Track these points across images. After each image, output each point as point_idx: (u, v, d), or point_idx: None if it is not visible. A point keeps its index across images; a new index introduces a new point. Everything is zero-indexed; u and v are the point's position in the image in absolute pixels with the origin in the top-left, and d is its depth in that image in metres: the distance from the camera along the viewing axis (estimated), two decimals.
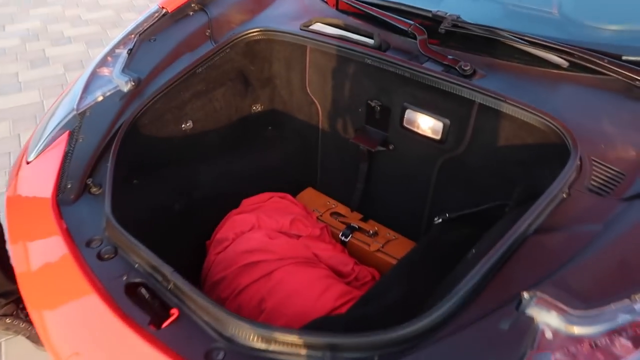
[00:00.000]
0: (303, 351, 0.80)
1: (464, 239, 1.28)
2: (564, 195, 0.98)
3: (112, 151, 1.28)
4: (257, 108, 1.71)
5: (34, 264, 1.10)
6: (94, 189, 1.20)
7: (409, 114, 1.35)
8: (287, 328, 0.84)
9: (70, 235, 1.12)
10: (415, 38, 1.41)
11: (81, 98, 1.48)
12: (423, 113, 1.31)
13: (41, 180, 1.28)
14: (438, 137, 1.32)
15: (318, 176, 1.77)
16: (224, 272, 1.27)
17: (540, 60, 1.28)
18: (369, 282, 1.41)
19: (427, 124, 1.32)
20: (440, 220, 1.34)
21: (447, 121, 1.27)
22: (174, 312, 0.92)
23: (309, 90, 1.60)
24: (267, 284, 1.24)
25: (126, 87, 1.46)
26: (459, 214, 1.32)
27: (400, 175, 1.49)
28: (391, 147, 1.46)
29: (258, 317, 1.20)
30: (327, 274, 1.31)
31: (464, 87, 1.20)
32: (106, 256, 1.05)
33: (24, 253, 1.15)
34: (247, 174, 1.61)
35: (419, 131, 1.35)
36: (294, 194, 1.73)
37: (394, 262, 1.45)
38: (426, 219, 1.49)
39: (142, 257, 1.01)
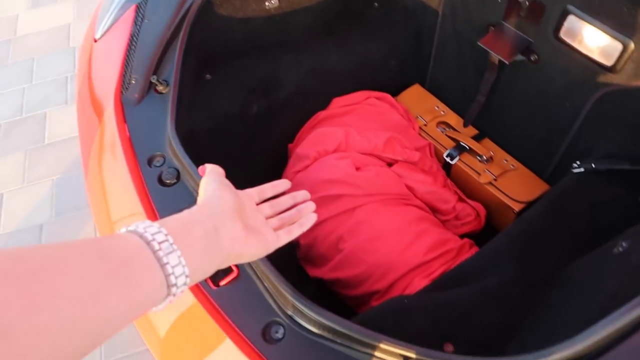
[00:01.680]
0: (376, 354, 0.67)
1: (612, 206, 0.97)
2: None
3: (180, 40, 1.07)
4: None
5: (97, 180, 1.02)
6: (160, 87, 1.03)
7: (572, 22, 0.93)
8: (357, 326, 0.68)
9: (132, 147, 1.00)
10: None
11: None
12: (594, 25, 0.90)
13: (106, 68, 1.13)
14: (609, 62, 0.92)
15: (429, 72, 1.42)
16: None
17: None
18: (471, 222, 1.18)
19: (596, 42, 0.91)
20: (582, 169, 1.01)
21: (631, 43, 0.86)
22: (234, 269, 0.80)
23: None
24: (348, 221, 1.06)
25: None
26: (611, 167, 0.98)
27: (539, 95, 1.12)
28: (534, 57, 1.07)
29: (334, 256, 1.05)
30: (420, 215, 1.09)
31: None
32: (168, 181, 0.92)
33: (89, 160, 1.07)
34: (342, 68, 1.32)
35: (581, 49, 0.95)
36: (397, 92, 1.43)
37: (507, 201, 1.18)
38: (560, 155, 1.16)
39: None
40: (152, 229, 0.44)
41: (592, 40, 0.92)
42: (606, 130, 1.02)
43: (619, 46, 0.88)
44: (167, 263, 0.43)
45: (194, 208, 0.53)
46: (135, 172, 0.95)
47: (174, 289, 0.43)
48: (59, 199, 1.89)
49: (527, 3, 1.00)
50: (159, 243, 0.43)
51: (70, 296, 0.34)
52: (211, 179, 0.59)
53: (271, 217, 0.66)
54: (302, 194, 0.72)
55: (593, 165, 1.00)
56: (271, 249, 0.61)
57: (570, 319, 0.73)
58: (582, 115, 1.05)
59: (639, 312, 0.56)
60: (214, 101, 1.16)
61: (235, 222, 0.55)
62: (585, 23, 0.91)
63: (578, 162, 1.04)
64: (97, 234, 1.78)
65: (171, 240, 0.44)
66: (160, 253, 0.43)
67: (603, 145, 1.03)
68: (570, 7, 0.93)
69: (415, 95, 1.43)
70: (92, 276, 0.37)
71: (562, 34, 0.97)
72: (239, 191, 0.63)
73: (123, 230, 0.45)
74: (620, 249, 0.79)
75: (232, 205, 0.56)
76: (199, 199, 0.57)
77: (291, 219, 0.67)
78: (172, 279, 0.43)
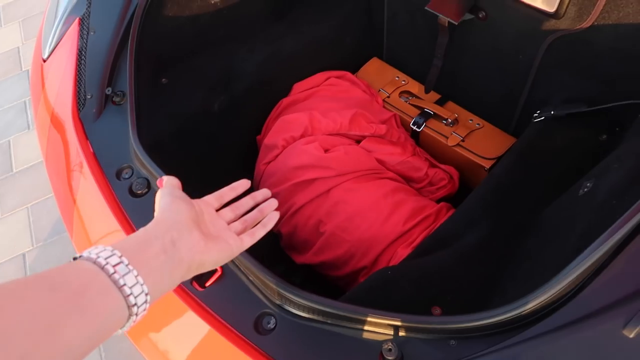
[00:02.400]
0: (366, 328, 0.69)
1: (575, 148, 1.00)
2: None
3: (129, 47, 1.05)
4: None
5: (69, 202, 1.01)
6: (117, 99, 1.02)
7: None
8: (344, 304, 0.70)
9: (98, 163, 0.99)
10: None
11: None
12: None
13: (59, 88, 1.11)
14: (552, 9, 0.93)
15: (385, 44, 1.42)
16: (276, 187, 1.11)
17: None
18: (446, 186, 1.20)
19: None
20: (542, 117, 1.04)
21: None
22: (218, 268, 0.81)
23: None
24: (325, 203, 1.07)
25: None
26: (570, 111, 1.00)
27: (492, 51, 1.14)
28: (482, 14, 1.08)
29: (316, 240, 1.07)
30: (395, 186, 1.10)
31: None
32: (139, 192, 0.92)
33: (57, 183, 1.06)
34: (299, 51, 1.32)
35: None
36: (357, 68, 1.43)
37: (477, 160, 1.20)
38: (521, 107, 1.18)
39: None
40: (105, 252, 0.45)
41: None
42: (560, 76, 1.04)
43: None
44: (125, 284, 0.44)
45: (149, 225, 0.54)
46: (104, 188, 0.94)
47: (135, 309, 0.44)
48: (37, 226, 1.86)
49: None
50: (114, 266, 0.44)
51: (23, 333, 0.35)
52: (164, 193, 0.59)
53: (233, 221, 0.66)
54: (262, 193, 0.72)
55: (552, 112, 1.02)
56: (235, 253, 0.61)
57: (547, 265, 0.75)
58: (535, 65, 1.07)
59: (604, 251, 0.58)
60: (174, 104, 1.15)
61: (193, 231, 0.55)
62: None
63: (538, 112, 1.06)
64: None
65: (126, 262, 0.45)
66: (116, 275, 0.44)
67: (559, 91, 1.05)
68: None
69: (375, 69, 1.44)
70: (44, 310, 0.37)
71: None
72: (196, 200, 0.63)
73: (77, 257, 0.45)
74: (585, 189, 0.82)
75: (188, 215, 0.56)
76: (155, 215, 0.57)
77: (254, 220, 0.68)
78: (132, 299, 0.44)
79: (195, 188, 0.87)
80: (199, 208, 0.61)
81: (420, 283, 0.83)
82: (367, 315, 0.68)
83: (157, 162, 0.89)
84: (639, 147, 0.80)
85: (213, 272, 0.80)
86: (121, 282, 0.43)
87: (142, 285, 0.45)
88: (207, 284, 0.80)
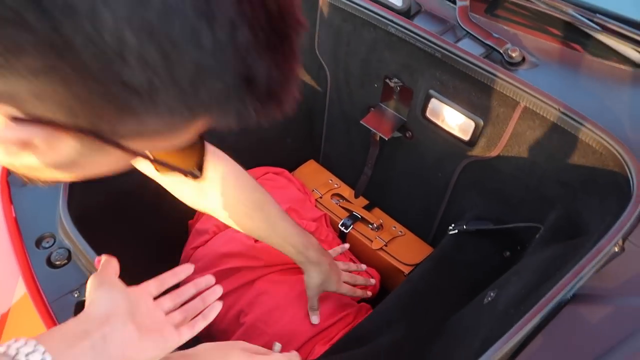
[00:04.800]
0: None
1: (483, 262, 1.10)
2: (616, 249, 0.77)
3: None
4: None
5: None
6: None
7: (434, 104, 1.10)
8: None
9: (19, 230, 0.96)
10: (454, 2, 1.13)
11: None
12: (451, 106, 1.07)
13: None
14: (466, 137, 1.08)
15: (322, 149, 1.54)
16: (201, 273, 1.10)
17: (610, 51, 1.01)
18: (367, 287, 1.24)
19: (454, 120, 1.08)
20: (456, 231, 1.14)
21: (481, 121, 1.03)
22: None
23: (317, 52, 1.33)
24: (247, 294, 1.08)
25: None
26: (479, 227, 1.12)
27: (416, 166, 1.27)
28: (408, 134, 1.22)
29: (236, 330, 1.05)
30: None
31: (508, 82, 0.94)
32: (57, 262, 0.89)
33: None
34: (240, 146, 1.39)
35: (444, 126, 1.11)
36: (294, 167, 1.52)
37: (397, 265, 1.28)
38: (439, 219, 1.29)
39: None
40: (27, 348, 0.42)
41: (452, 119, 1.08)
42: (472, 196, 1.17)
43: (472, 124, 1.05)
44: None
45: (80, 316, 0.51)
46: (21, 255, 0.91)
47: None
48: None
49: (398, 88, 1.16)
50: None
51: None
52: (98, 281, 0.56)
53: (173, 310, 0.63)
54: (205, 280, 0.69)
55: (464, 227, 1.13)
56: (171, 348, 0.58)
57: None
58: (452, 184, 1.20)
59: (500, 357, 0.63)
60: (111, 178, 1.15)
61: (127, 326, 0.52)
62: (445, 105, 1.08)
63: (453, 225, 1.17)
64: None
65: (49, 359, 0.42)
66: None
67: (471, 208, 1.18)
68: (431, 92, 1.09)
69: (311, 170, 1.53)
70: None
71: (428, 114, 1.13)
72: (134, 288, 0.60)
73: None
74: (489, 298, 0.89)
75: (123, 308, 0.54)
76: (86, 304, 0.55)
77: (195, 310, 0.65)
78: None
79: (120, 266, 0.85)
80: (135, 298, 0.57)
81: None
82: None
83: (82, 235, 0.88)
84: (534, 264, 0.90)
85: None
86: None
87: None
88: None
